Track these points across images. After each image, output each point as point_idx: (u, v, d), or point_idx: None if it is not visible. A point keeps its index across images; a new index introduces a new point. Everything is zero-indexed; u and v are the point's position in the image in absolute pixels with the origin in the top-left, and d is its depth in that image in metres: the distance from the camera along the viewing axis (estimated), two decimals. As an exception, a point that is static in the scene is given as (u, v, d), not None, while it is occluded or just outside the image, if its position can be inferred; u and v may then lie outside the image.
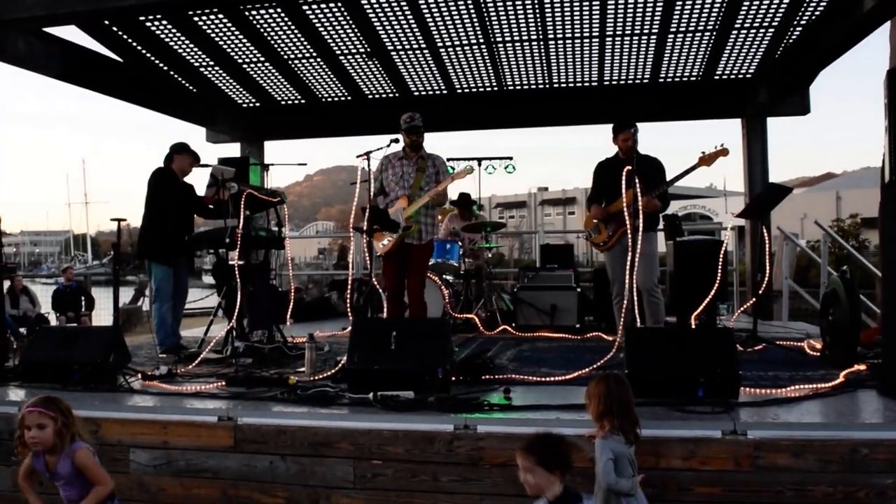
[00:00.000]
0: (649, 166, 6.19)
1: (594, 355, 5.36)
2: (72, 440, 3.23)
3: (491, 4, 7.21)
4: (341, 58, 8.47)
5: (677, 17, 7.39)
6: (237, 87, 9.40)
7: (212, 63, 8.60)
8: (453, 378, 4.53)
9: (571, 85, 9.19)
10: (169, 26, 7.64)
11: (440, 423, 3.81)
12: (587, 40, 7.95)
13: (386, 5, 7.20)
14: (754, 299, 6.65)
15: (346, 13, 7.37)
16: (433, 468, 3.73)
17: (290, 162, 7.71)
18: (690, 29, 7.64)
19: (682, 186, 9.25)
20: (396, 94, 9.40)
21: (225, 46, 8.16)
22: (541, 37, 7.84)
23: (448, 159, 7.70)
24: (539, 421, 3.79)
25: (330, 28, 7.74)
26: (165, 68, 8.61)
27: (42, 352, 5.06)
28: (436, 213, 6.46)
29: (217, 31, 7.78)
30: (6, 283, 10.90)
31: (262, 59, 8.50)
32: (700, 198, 43.73)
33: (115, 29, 7.56)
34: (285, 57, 8.49)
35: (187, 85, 9.14)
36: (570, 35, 7.81)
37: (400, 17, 7.46)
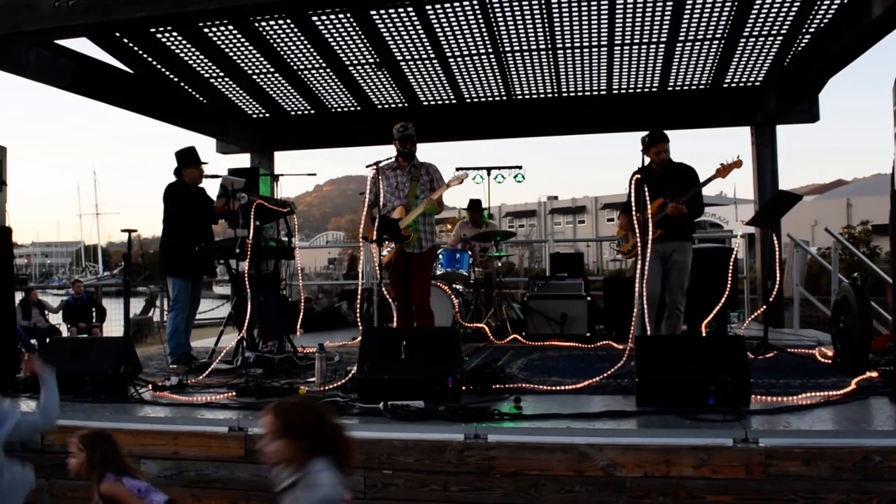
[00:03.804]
0: (680, 173, 6.11)
1: (605, 364, 5.34)
2: (102, 476, 3.28)
3: (499, 14, 7.23)
4: (350, 68, 8.50)
5: (686, 25, 7.38)
6: (247, 97, 9.45)
7: (222, 74, 8.65)
8: (463, 387, 4.54)
9: (580, 94, 9.19)
10: (180, 38, 7.68)
11: (450, 432, 3.81)
12: (595, 49, 7.95)
13: (395, 16, 7.23)
14: (765, 307, 6.61)
15: (355, 24, 7.40)
16: (444, 478, 3.72)
17: (299, 172, 7.71)
18: (699, 37, 7.63)
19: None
20: (405, 104, 9.43)
21: (235, 58, 8.20)
22: (549, 46, 7.84)
23: (456, 168, 7.72)
24: (550, 430, 3.79)
25: (339, 39, 7.77)
26: (176, 80, 8.66)
27: (53, 363, 5.06)
28: (433, 221, 6.46)
29: (228, 42, 7.82)
30: (19, 295, 11.00)
31: (272, 69, 8.54)
32: (710, 205, 43.56)
33: (126, 41, 7.61)
34: (295, 68, 8.53)
35: (198, 96, 9.19)
36: (578, 44, 7.81)
37: (409, 28, 7.48)
